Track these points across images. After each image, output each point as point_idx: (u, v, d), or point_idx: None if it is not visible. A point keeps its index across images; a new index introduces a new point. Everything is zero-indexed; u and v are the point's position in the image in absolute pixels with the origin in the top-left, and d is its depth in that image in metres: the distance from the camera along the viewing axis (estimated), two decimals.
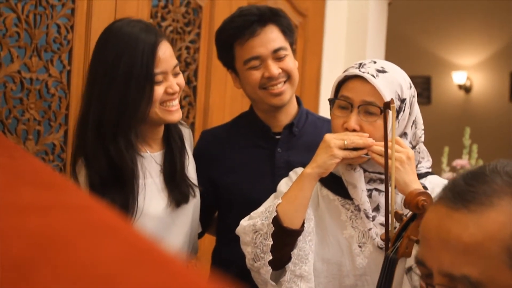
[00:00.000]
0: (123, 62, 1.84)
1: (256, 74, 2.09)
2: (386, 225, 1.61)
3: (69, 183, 0.55)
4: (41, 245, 0.32)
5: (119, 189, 1.87)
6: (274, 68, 2.07)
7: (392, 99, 1.62)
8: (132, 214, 1.88)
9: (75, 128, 1.98)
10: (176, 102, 1.95)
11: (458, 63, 8.50)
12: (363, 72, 1.70)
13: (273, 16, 2.11)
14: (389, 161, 1.63)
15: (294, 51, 2.21)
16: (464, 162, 3.86)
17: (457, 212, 1.08)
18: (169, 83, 1.91)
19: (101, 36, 1.95)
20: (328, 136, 1.72)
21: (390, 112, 1.61)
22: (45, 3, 2.53)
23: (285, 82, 2.11)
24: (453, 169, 3.94)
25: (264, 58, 2.08)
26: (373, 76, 1.69)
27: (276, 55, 2.09)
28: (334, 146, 1.69)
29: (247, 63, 2.09)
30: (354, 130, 1.71)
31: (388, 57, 2.93)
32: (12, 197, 0.43)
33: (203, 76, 3.19)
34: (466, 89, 8.50)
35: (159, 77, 1.88)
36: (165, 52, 1.90)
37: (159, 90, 1.89)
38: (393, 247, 1.57)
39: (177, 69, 1.96)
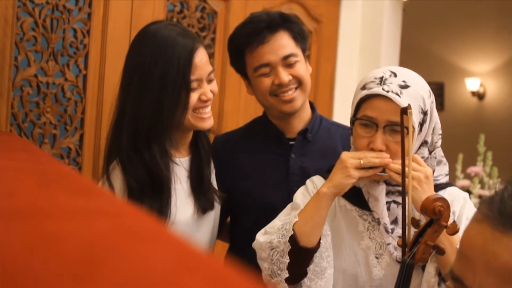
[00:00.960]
0: (159, 67, 1.81)
1: (266, 81, 2.06)
2: (403, 230, 1.60)
3: (100, 189, 0.55)
4: (94, 251, 0.32)
5: (156, 195, 1.85)
6: (284, 75, 2.04)
7: (409, 105, 1.60)
8: (166, 220, 1.86)
9: (110, 129, 1.94)
10: (208, 109, 1.93)
11: (471, 70, 8.47)
12: (387, 92, 1.65)
13: (283, 22, 2.08)
14: (407, 168, 1.62)
15: (307, 57, 2.19)
16: (478, 169, 3.83)
17: (505, 236, 1.03)
18: (203, 90, 1.89)
19: (136, 38, 1.92)
20: (344, 155, 1.70)
21: (411, 132, 1.60)
22: (62, 8, 2.55)
23: (296, 88, 2.08)
24: (467, 176, 3.92)
25: (274, 65, 2.05)
26: (397, 94, 1.65)
27: (286, 61, 2.06)
28: (350, 166, 1.67)
29: (257, 70, 2.07)
30: (380, 151, 1.69)
31: (401, 64, 2.92)
32: (50, 202, 0.44)
33: (217, 81, 3.15)
34: (479, 96, 8.46)
35: (194, 84, 1.86)
36: (202, 59, 1.87)
37: (193, 97, 1.86)
38: (410, 253, 1.56)
39: (212, 75, 1.94)
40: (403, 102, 1.64)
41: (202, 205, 1.98)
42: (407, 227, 1.59)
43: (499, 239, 1.03)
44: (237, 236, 2.25)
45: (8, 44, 2.38)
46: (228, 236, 2.34)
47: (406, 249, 1.58)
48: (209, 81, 1.93)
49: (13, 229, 0.35)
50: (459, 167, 3.93)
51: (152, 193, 1.85)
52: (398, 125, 1.65)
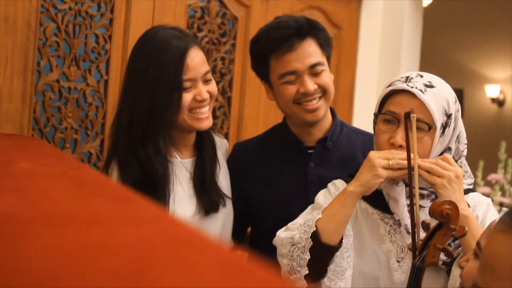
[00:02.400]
0: (153, 68, 1.84)
1: (291, 89, 2.03)
2: (412, 234, 1.60)
3: (132, 194, 0.56)
4: (143, 259, 0.32)
5: (151, 194, 1.84)
6: (310, 84, 2.01)
7: (412, 109, 1.61)
8: None
9: (110, 131, 2.00)
10: (205, 110, 1.93)
11: (491, 76, 8.42)
12: (412, 87, 1.67)
13: (311, 30, 2.05)
14: (439, 178, 1.63)
15: (329, 64, 2.17)
16: (499, 177, 3.80)
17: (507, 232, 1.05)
18: (198, 90, 1.90)
19: (136, 42, 1.96)
20: (372, 155, 1.69)
21: (415, 138, 1.61)
22: (84, 14, 2.57)
23: (320, 97, 2.05)
24: (488, 183, 3.89)
25: (301, 73, 2.02)
26: (421, 91, 1.66)
27: (313, 70, 2.03)
28: (378, 166, 1.65)
29: (283, 78, 2.04)
30: (400, 146, 1.69)
31: (421, 70, 2.91)
32: (89, 209, 0.44)
33: (237, 87, 3.20)
34: (499, 103, 8.41)
35: (187, 84, 1.87)
36: (194, 59, 1.88)
37: (187, 97, 1.88)
38: (420, 256, 1.56)
39: (208, 75, 1.94)
40: (426, 98, 1.66)
41: (204, 205, 1.97)
42: (416, 226, 1.60)
43: None
44: (256, 244, 2.24)
45: (31, 49, 2.40)
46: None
47: (416, 253, 1.58)
48: (205, 81, 1.93)
49: (60, 236, 0.35)
50: (479, 174, 3.90)
51: (146, 192, 1.83)
52: (421, 121, 1.65)
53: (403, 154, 1.66)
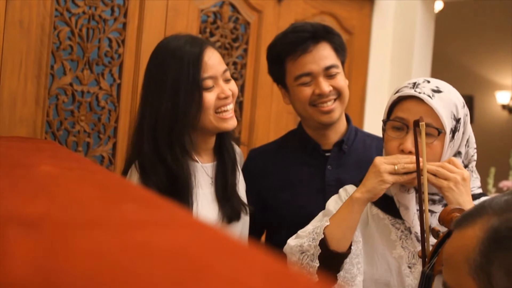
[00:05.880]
0: (171, 74, 1.85)
1: (307, 91, 2.07)
2: (422, 240, 1.59)
3: (158, 198, 0.56)
4: (189, 262, 0.33)
5: (177, 200, 1.84)
6: (325, 85, 2.05)
7: (421, 117, 1.61)
8: None
9: (130, 140, 1.99)
10: (230, 107, 1.93)
11: (502, 83, 8.39)
12: (420, 93, 1.67)
13: (326, 34, 2.10)
14: (445, 181, 1.62)
15: (344, 70, 2.20)
16: (510, 184, 3.79)
17: (456, 230, 1.22)
18: (220, 89, 1.90)
19: (151, 53, 1.97)
20: (378, 160, 1.69)
21: (424, 145, 1.60)
22: (98, 18, 2.58)
23: (335, 100, 2.08)
24: (499, 190, 3.88)
25: (316, 75, 2.06)
26: (429, 96, 1.66)
27: (328, 72, 2.07)
28: (384, 171, 1.65)
29: (298, 79, 2.07)
30: (410, 152, 1.68)
31: (432, 76, 2.90)
32: (121, 213, 0.44)
33: (249, 92, 3.20)
34: (510, 109, 8.37)
35: (208, 82, 1.87)
36: (211, 57, 1.89)
37: (210, 97, 1.87)
38: (430, 264, 1.55)
39: (228, 74, 1.94)
40: (434, 103, 1.66)
41: (228, 213, 1.96)
42: (425, 237, 1.59)
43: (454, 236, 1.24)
44: (272, 248, 2.23)
45: (44, 53, 2.42)
46: None
47: (426, 260, 1.57)
48: (226, 80, 1.94)
49: (99, 240, 0.35)
50: (491, 181, 3.89)
51: (172, 198, 1.83)
52: (430, 126, 1.65)
53: (409, 158, 1.66)
